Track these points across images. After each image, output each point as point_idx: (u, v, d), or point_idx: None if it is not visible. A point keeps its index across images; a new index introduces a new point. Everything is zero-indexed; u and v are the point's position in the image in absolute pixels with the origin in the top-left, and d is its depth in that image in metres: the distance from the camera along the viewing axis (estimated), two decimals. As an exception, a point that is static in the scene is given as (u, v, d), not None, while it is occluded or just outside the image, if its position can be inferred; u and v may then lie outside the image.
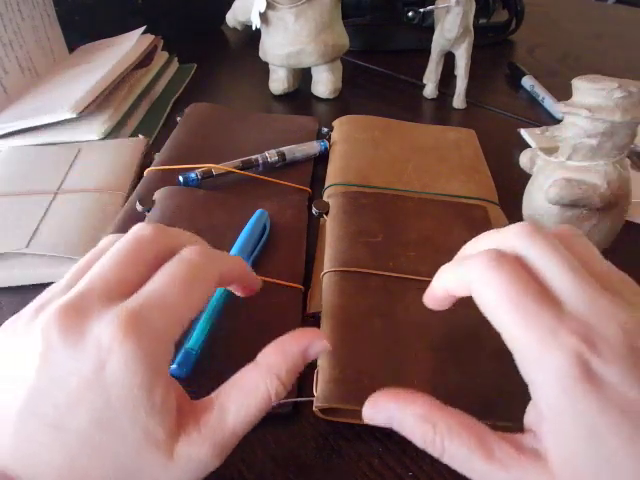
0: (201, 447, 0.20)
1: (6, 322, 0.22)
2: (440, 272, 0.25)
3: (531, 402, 0.22)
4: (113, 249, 0.23)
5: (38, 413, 0.19)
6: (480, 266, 0.22)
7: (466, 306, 0.24)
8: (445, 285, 0.25)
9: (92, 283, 0.21)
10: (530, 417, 0.22)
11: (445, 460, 0.21)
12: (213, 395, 0.22)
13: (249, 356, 0.29)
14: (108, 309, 0.20)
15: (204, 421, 0.21)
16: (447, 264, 0.25)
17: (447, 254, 0.26)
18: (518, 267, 0.21)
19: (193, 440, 0.20)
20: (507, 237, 0.23)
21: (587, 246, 0.24)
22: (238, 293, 0.28)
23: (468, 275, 0.22)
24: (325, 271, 0.33)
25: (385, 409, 0.23)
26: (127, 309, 0.20)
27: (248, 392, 0.22)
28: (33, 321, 0.21)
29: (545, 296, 0.21)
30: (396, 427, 0.22)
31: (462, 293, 0.24)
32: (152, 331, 0.20)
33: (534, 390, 0.20)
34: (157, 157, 0.46)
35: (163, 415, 0.20)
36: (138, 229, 0.24)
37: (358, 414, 0.27)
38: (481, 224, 0.37)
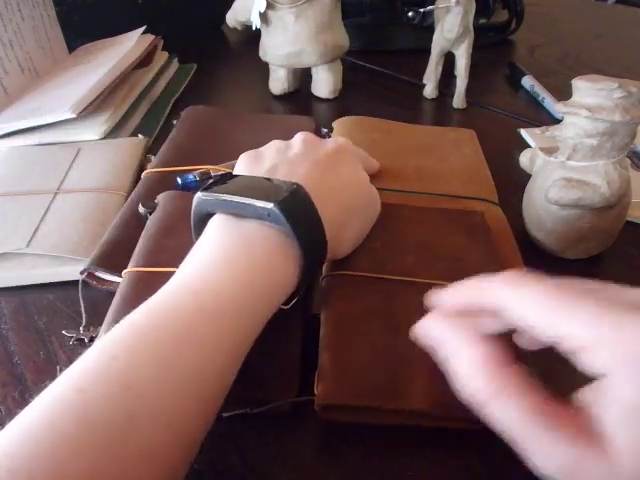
0: None
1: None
2: (455, 289, 0.25)
3: (593, 385, 0.20)
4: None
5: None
6: (509, 286, 0.22)
7: None
8: (466, 301, 0.24)
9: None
10: (589, 397, 0.20)
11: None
12: None
13: (250, 355, 0.30)
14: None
15: None
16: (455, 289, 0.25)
17: (445, 260, 0.26)
18: (540, 278, 0.22)
19: None
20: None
21: None
22: None
23: (495, 296, 0.23)
24: (324, 275, 0.33)
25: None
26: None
27: None
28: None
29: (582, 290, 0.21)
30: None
31: (489, 308, 0.23)
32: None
33: (607, 382, 0.19)
34: (154, 160, 0.46)
35: None
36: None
37: (358, 413, 0.27)
38: (479, 230, 0.36)
